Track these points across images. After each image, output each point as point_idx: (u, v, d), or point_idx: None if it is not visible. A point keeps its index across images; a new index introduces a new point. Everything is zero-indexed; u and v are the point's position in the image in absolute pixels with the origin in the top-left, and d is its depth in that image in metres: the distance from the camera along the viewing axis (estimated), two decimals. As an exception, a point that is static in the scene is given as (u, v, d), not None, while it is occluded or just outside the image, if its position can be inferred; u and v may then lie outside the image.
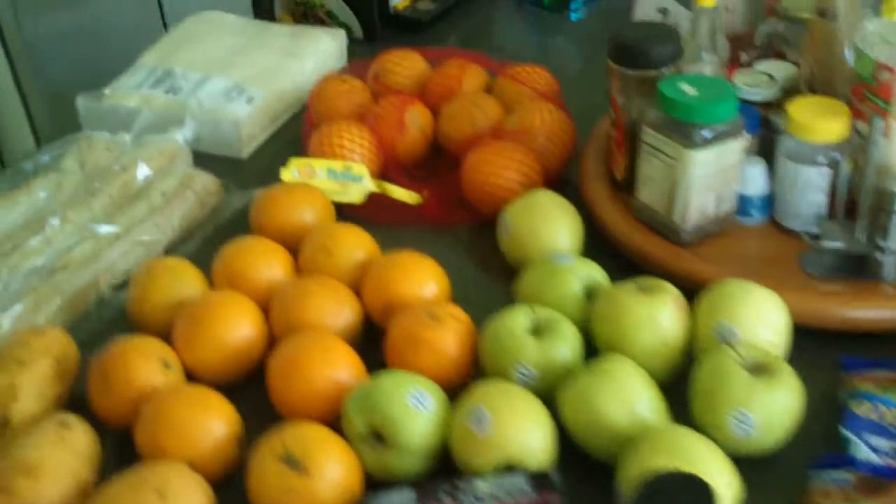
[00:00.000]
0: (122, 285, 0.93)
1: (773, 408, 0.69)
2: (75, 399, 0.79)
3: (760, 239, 0.89)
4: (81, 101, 1.17)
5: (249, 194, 1.02)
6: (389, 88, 1.09)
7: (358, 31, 1.31)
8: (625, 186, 0.93)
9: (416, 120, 1.03)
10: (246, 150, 1.11)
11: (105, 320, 0.90)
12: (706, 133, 0.82)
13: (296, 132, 1.16)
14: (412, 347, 0.75)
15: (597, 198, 0.92)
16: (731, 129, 0.83)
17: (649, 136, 0.85)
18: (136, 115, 1.11)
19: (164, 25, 2.33)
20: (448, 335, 0.76)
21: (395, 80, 1.10)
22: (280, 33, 1.25)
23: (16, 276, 0.90)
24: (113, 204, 0.99)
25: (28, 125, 2.30)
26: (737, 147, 0.84)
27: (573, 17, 1.34)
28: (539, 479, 0.65)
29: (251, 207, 0.94)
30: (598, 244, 0.90)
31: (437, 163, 1.05)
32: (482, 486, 0.64)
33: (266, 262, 0.85)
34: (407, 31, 1.33)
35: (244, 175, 1.08)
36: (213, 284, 0.86)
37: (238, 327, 0.79)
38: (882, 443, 0.69)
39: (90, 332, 0.88)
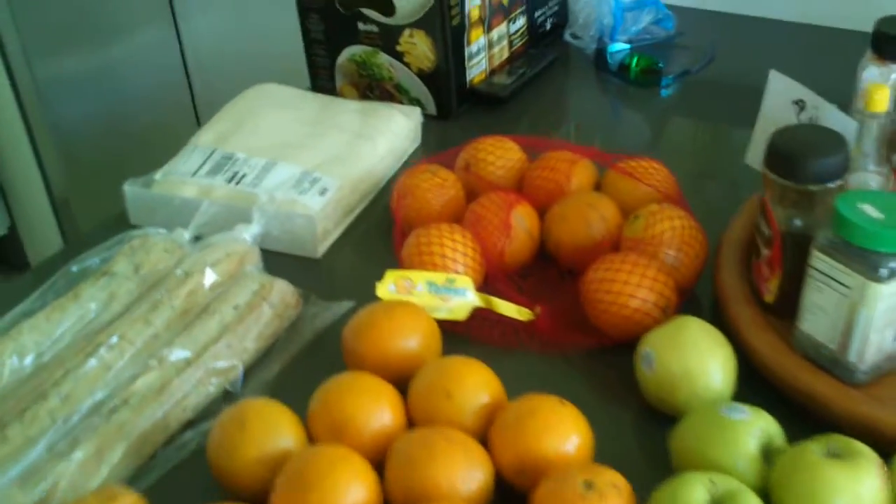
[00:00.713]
0: (193, 422, 0.80)
1: None
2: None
3: (940, 377, 0.77)
4: (129, 189, 1.04)
5: (333, 308, 0.89)
6: (484, 181, 0.97)
7: (430, 107, 1.19)
8: (775, 310, 0.81)
9: (523, 222, 0.91)
10: (321, 249, 0.99)
11: (175, 465, 0.77)
12: (894, 263, 0.70)
13: (369, 225, 1.04)
14: (568, 525, 0.63)
15: (745, 325, 0.80)
16: (919, 256, 0.71)
17: (820, 261, 0.73)
18: (193, 206, 0.99)
19: (185, 67, 2.20)
20: (610, 511, 0.63)
21: (490, 172, 0.98)
22: (347, 110, 1.13)
23: (72, 411, 0.78)
24: (177, 319, 0.86)
25: (38, 170, 2.18)
26: (924, 275, 0.72)
27: (664, 93, 1.23)
28: None
29: (345, 331, 0.81)
30: (743, 374, 0.78)
31: (543, 269, 0.92)
32: None
33: (376, 408, 0.72)
34: (482, 106, 1.21)
35: (319, 278, 0.96)
36: (311, 432, 0.73)
37: (351, 492, 0.66)
38: None
39: (158, 480, 0.76)
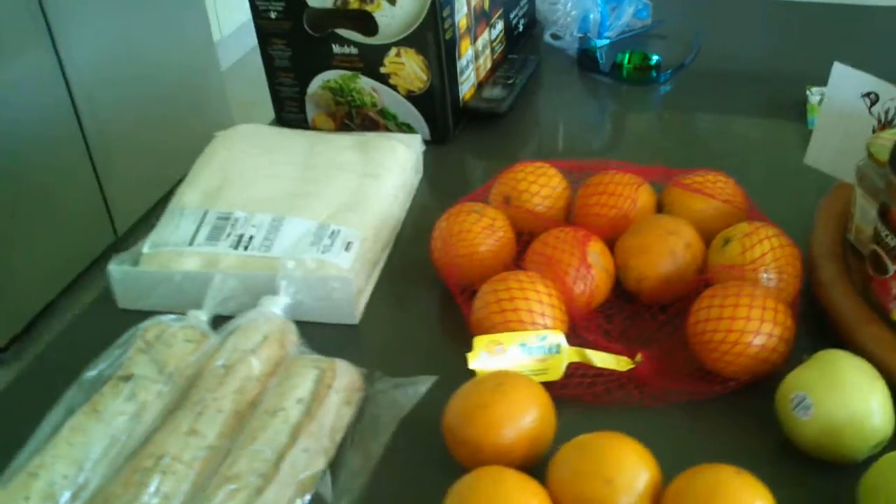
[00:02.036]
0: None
1: None
2: None
3: None
4: (116, 269, 0.89)
5: (406, 386, 0.78)
6: (531, 214, 0.87)
7: (422, 132, 1.08)
8: (906, 328, 0.75)
9: (598, 259, 0.81)
10: (359, 313, 0.87)
11: None
12: None
13: (395, 275, 0.92)
14: None
15: (879, 345, 0.74)
16: None
17: (977, 274, 0.67)
18: (198, 281, 0.86)
19: (71, 96, 1.98)
20: None
21: (535, 204, 0.88)
22: (342, 146, 1.01)
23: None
24: (230, 423, 0.73)
25: None
26: None
27: (663, 90, 1.15)
28: None
29: (449, 418, 0.70)
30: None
31: (623, 308, 0.84)
32: None
33: (528, 509, 0.62)
34: (475, 124, 1.11)
35: (365, 349, 0.85)
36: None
37: None
38: None
39: None
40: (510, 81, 1.13)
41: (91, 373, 0.78)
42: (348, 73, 1.06)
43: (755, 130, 1.07)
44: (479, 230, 0.85)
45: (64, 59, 1.93)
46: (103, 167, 2.03)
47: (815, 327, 0.79)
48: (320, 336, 0.83)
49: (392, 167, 0.98)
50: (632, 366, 0.77)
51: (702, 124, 1.10)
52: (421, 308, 0.88)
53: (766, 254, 0.78)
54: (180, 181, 0.96)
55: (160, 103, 2.12)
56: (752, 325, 0.73)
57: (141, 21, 2.05)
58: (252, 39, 1.05)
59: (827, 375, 0.68)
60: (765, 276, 0.78)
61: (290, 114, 1.12)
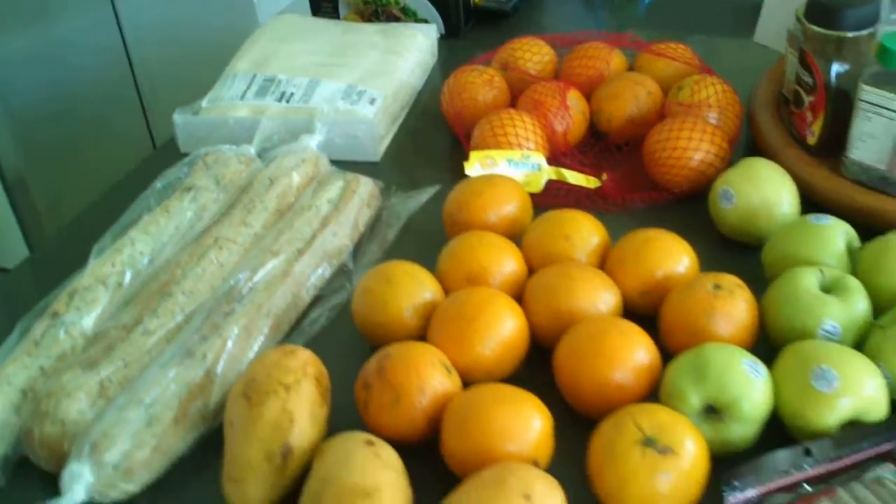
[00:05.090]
0: (318, 299, 0.86)
1: None
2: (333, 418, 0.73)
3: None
4: (180, 117, 1.08)
5: (414, 196, 0.97)
6: (525, 73, 1.06)
7: (438, 26, 1.26)
8: (818, 151, 0.92)
9: (577, 104, 1.00)
10: (380, 152, 1.06)
11: (311, 338, 0.83)
12: (935, 85, 0.82)
13: (411, 130, 1.11)
14: (706, 319, 0.72)
15: (799, 164, 0.91)
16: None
17: (869, 93, 0.84)
18: (247, 125, 1.04)
19: (125, 46, 2.19)
20: (741, 303, 0.73)
21: (529, 67, 1.06)
22: (370, 32, 1.20)
23: (198, 304, 0.83)
24: (273, 219, 0.92)
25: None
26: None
27: (646, 1, 1.33)
28: None
29: (448, 205, 0.88)
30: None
31: (595, 145, 1.02)
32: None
33: (504, 257, 0.80)
34: (483, 24, 1.30)
35: (382, 178, 1.03)
36: (445, 286, 0.80)
37: (506, 321, 0.74)
38: None
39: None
40: (513, -13, 1.32)
41: (160, 183, 0.97)
42: (376, -25, 1.25)
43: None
44: (480, 83, 1.03)
45: (121, 13, 2.17)
46: (149, 101, 2.27)
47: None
48: (347, 169, 1.02)
49: (412, 48, 1.17)
50: (598, 184, 0.95)
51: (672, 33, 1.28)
52: (429, 152, 1.06)
53: (711, 96, 0.96)
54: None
55: (200, 45, 2.35)
56: (692, 144, 0.91)
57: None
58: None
59: (745, 173, 0.86)
60: (710, 113, 0.96)
61: (325, 13, 1.31)
